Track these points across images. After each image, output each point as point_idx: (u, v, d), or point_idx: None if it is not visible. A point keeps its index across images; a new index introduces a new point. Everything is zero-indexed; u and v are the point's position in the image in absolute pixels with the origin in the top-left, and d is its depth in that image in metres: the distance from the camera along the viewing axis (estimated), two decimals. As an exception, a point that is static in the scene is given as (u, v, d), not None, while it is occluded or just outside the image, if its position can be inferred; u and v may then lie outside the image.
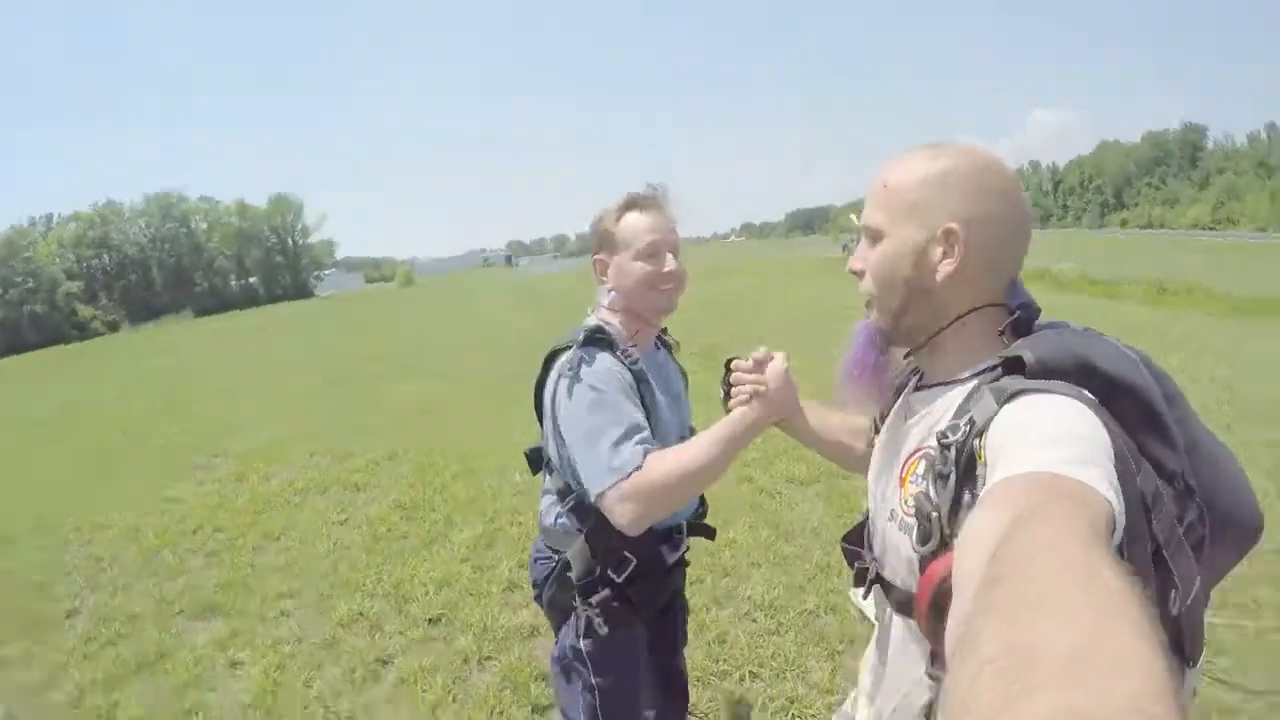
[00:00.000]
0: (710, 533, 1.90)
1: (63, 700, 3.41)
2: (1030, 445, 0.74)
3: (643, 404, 1.59)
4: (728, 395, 1.48)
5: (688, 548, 1.81)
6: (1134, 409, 0.84)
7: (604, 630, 1.67)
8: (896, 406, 1.15)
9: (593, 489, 1.49)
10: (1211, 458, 0.91)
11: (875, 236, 1.03)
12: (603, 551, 1.63)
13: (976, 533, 0.65)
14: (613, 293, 1.70)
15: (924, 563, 0.89)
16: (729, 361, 1.49)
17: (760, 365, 1.43)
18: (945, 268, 0.97)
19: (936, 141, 1.02)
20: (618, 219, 1.67)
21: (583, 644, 1.70)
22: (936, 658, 0.95)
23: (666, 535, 1.74)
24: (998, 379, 0.90)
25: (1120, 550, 0.71)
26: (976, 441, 0.85)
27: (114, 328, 62.14)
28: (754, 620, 3.56)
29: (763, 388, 1.41)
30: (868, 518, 1.18)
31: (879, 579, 1.09)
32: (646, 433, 1.52)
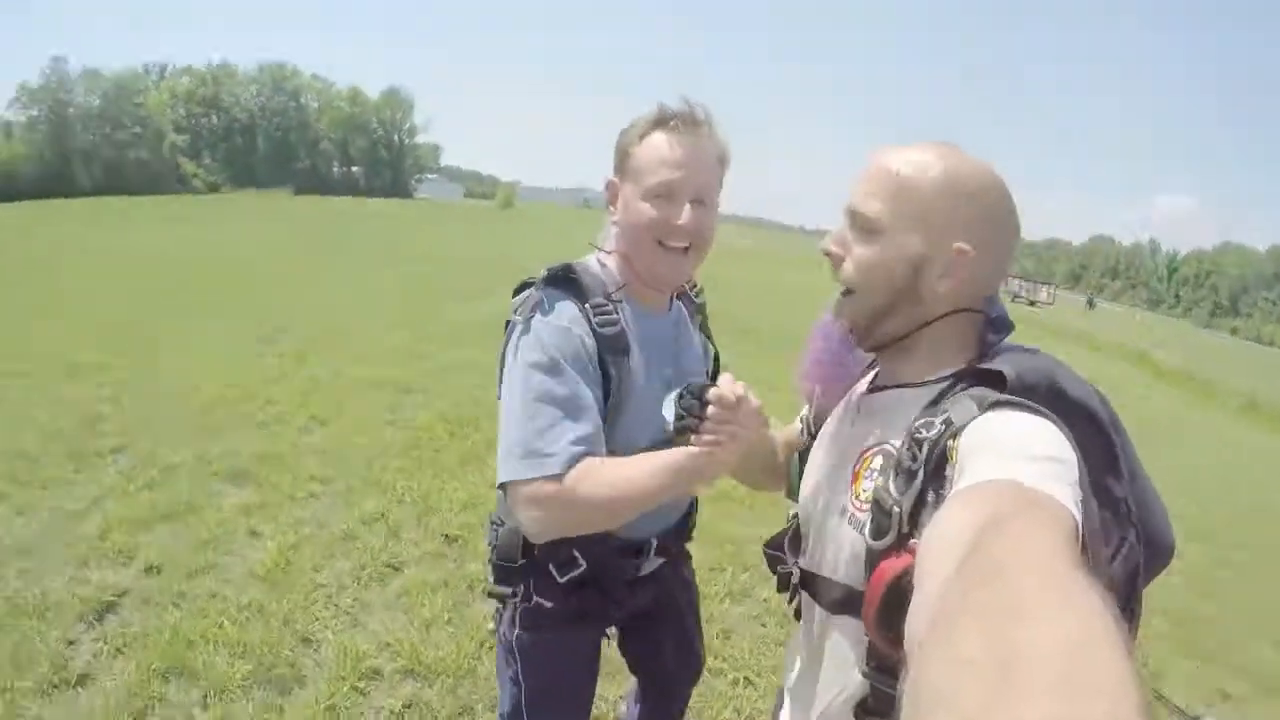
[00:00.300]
0: (678, 550, 1.67)
1: (91, 532, 3.73)
2: (1007, 455, 0.79)
3: (607, 382, 1.39)
4: (684, 425, 1.28)
5: (668, 560, 1.62)
6: (1091, 435, 0.91)
7: (526, 634, 1.55)
8: (843, 406, 1.20)
9: (501, 473, 1.32)
10: (1144, 487, 0.99)
11: (871, 228, 1.03)
12: (544, 544, 1.43)
13: (947, 529, 0.68)
14: (615, 229, 1.48)
15: (876, 558, 0.91)
16: (701, 389, 1.29)
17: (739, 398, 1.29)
18: (942, 285, 1.01)
19: (946, 142, 1.04)
20: (641, 136, 1.41)
21: (514, 634, 1.57)
22: (875, 655, 0.97)
23: (629, 548, 1.54)
24: (969, 388, 0.95)
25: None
26: (950, 442, 0.89)
27: (214, 188, 66.32)
28: (763, 625, 3.58)
29: (742, 431, 1.26)
30: (795, 521, 1.23)
31: (807, 581, 1.14)
32: (589, 427, 1.32)
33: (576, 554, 1.45)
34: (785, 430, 1.48)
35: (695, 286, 1.67)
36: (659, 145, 1.38)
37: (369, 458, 5.00)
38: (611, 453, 1.36)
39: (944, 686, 0.42)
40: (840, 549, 1.05)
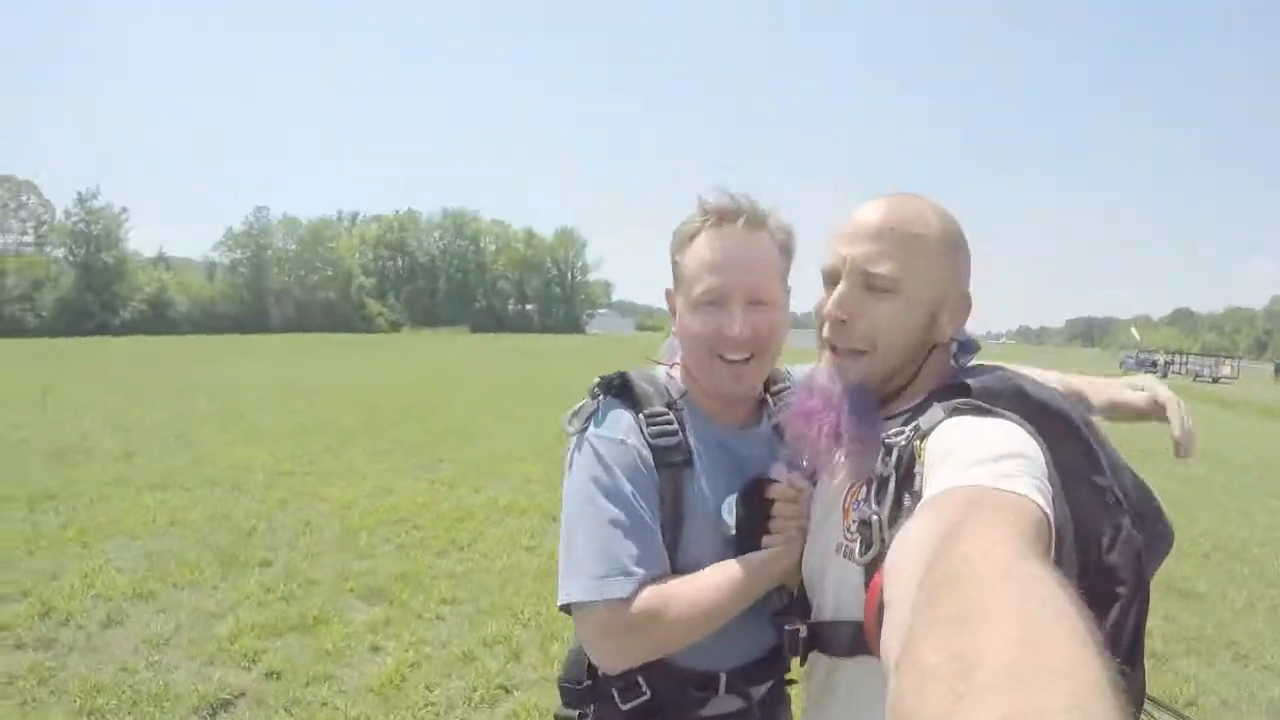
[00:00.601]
0: (768, 694, 1.49)
1: (223, 634, 4.05)
2: (969, 460, 0.85)
3: (672, 498, 1.35)
4: (749, 527, 1.30)
5: (749, 704, 1.47)
6: (1062, 433, 0.99)
7: None
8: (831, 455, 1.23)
9: (562, 593, 1.29)
10: (1132, 480, 1.06)
11: (887, 287, 1.10)
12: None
13: (910, 542, 0.73)
14: (676, 340, 1.45)
15: (868, 572, 0.97)
16: (755, 484, 1.32)
17: (800, 490, 1.29)
18: (949, 330, 1.15)
19: (915, 193, 1.17)
20: (687, 240, 1.38)
21: None
22: None
23: (693, 679, 1.42)
24: (938, 401, 1.04)
25: (1058, 558, 0.83)
26: (919, 443, 0.97)
27: (396, 327, 73.94)
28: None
29: (807, 523, 1.26)
30: (800, 588, 1.28)
31: (815, 635, 1.17)
32: (651, 546, 1.29)
33: (640, 680, 1.38)
34: None
35: (787, 393, 1.53)
36: (701, 248, 1.34)
37: (502, 582, 5.14)
38: (676, 570, 1.33)
39: (910, 700, 0.45)
40: (841, 587, 1.11)
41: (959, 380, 1.06)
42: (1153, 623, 4.57)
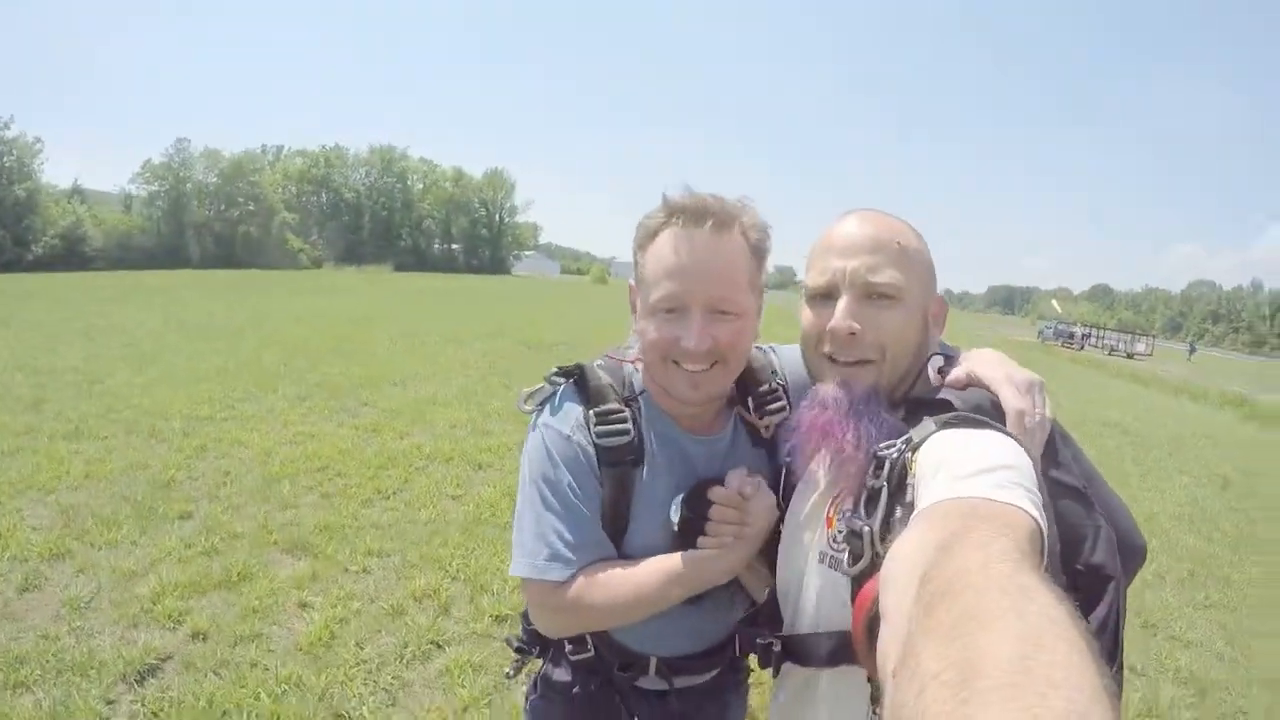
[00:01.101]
0: (712, 681, 1.57)
1: (145, 594, 3.93)
2: (962, 472, 0.86)
3: (616, 494, 1.36)
4: (690, 527, 1.31)
5: (695, 689, 1.56)
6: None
7: (542, 701, 1.60)
8: (811, 465, 1.25)
9: (512, 566, 1.37)
10: (1105, 490, 1.09)
11: (892, 295, 1.13)
12: None
13: (905, 554, 0.73)
14: (636, 340, 1.41)
15: (857, 584, 0.96)
16: (704, 486, 1.32)
17: (745, 497, 1.29)
18: (937, 333, 1.21)
19: (876, 208, 1.22)
20: (649, 238, 1.31)
21: (530, 699, 1.63)
22: (879, 695, 0.97)
23: (623, 657, 1.51)
24: (923, 414, 1.06)
25: (1065, 562, 0.90)
26: (910, 455, 0.98)
27: (318, 264, 71.50)
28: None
29: (749, 529, 1.27)
30: (770, 598, 1.29)
31: (791, 648, 1.18)
32: (588, 535, 1.34)
33: (588, 638, 1.48)
34: None
35: (774, 403, 1.47)
36: (663, 249, 1.27)
37: (429, 533, 5.12)
38: (626, 558, 1.37)
39: (910, 707, 0.45)
40: (824, 597, 1.12)
41: (939, 395, 1.09)
42: None
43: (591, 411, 1.36)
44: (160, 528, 4.90)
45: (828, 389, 1.16)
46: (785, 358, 1.53)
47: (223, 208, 68.69)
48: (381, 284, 41.59)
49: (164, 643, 3.50)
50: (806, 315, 1.20)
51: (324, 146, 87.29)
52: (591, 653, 1.49)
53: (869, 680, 0.99)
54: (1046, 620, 0.48)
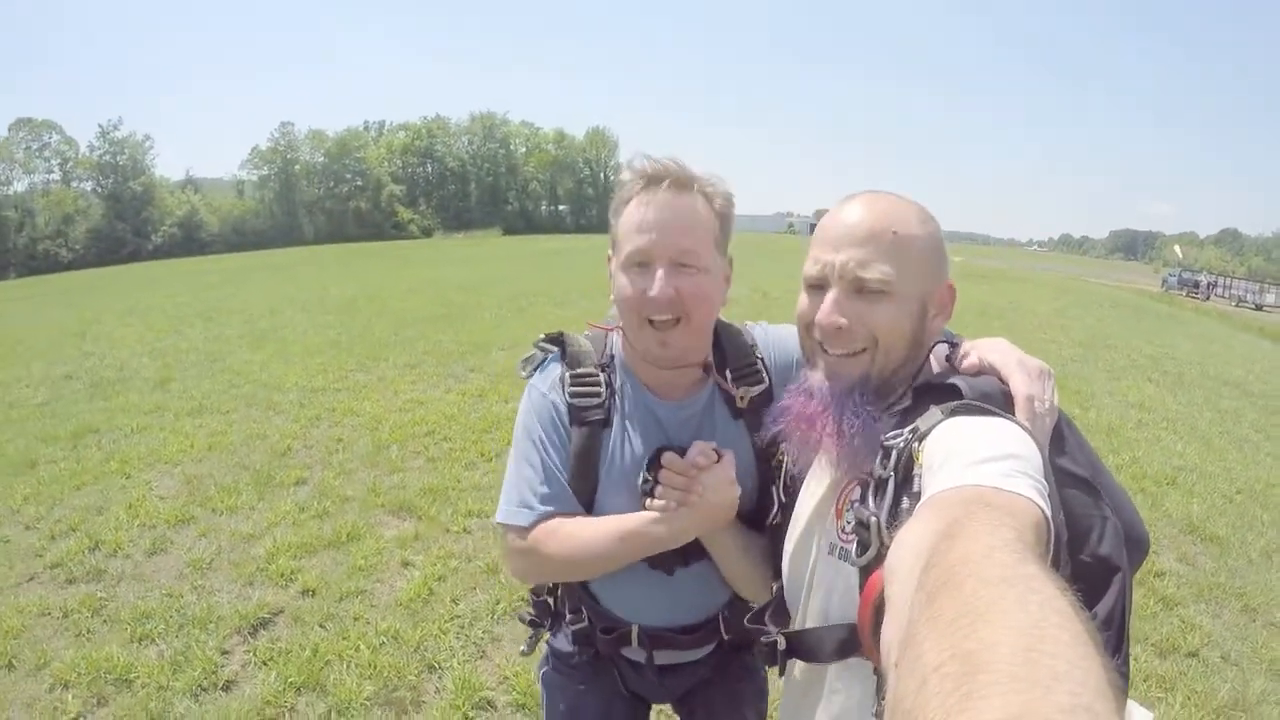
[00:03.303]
0: (690, 654, 1.63)
1: (260, 554, 4.31)
2: (969, 460, 0.87)
3: (584, 451, 1.47)
4: (649, 489, 1.41)
5: (668, 664, 1.63)
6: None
7: (551, 672, 1.73)
8: (821, 454, 1.25)
9: (497, 513, 1.52)
10: (1110, 481, 1.09)
11: (881, 289, 1.13)
12: (564, 589, 1.64)
13: (910, 543, 0.74)
14: (614, 307, 1.50)
15: (865, 574, 1.00)
16: (660, 451, 1.42)
17: (699, 467, 1.37)
18: (939, 324, 1.20)
19: (886, 191, 1.20)
20: (623, 206, 1.42)
21: (542, 670, 1.77)
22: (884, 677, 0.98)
23: (606, 625, 1.60)
24: (931, 401, 1.06)
25: (1070, 552, 0.90)
26: (917, 445, 0.99)
27: (428, 233, 74.55)
28: None
29: (695, 497, 1.35)
30: (777, 594, 1.32)
31: (797, 643, 1.20)
32: (556, 489, 1.46)
33: (582, 609, 1.60)
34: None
35: (749, 373, 1.53)
36: (631, 211, 1.39)
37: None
38: (596, 514, 1.49)
39: (912, 699, 0.46)
40: (833, 589, 1.14)
41: (947, 380, 1.09)
42: (1166, 564, 4.62)
43: (569, 373, 1.49)
44: (276, 493, 5.32)
45: (816, 378, 1.20)
46: (773, 336, 1.60)
47: (332, 185, 73.19)
48: (490, 249, 42.77)
49: (276, 599, 3.84)
50: (801, 300, 1.22)
51: (425, 118, 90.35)
52: (585, 622, 1.60)
53: (875, 672, 1.01)
54: (1050, 612, 0.49)
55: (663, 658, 1.60)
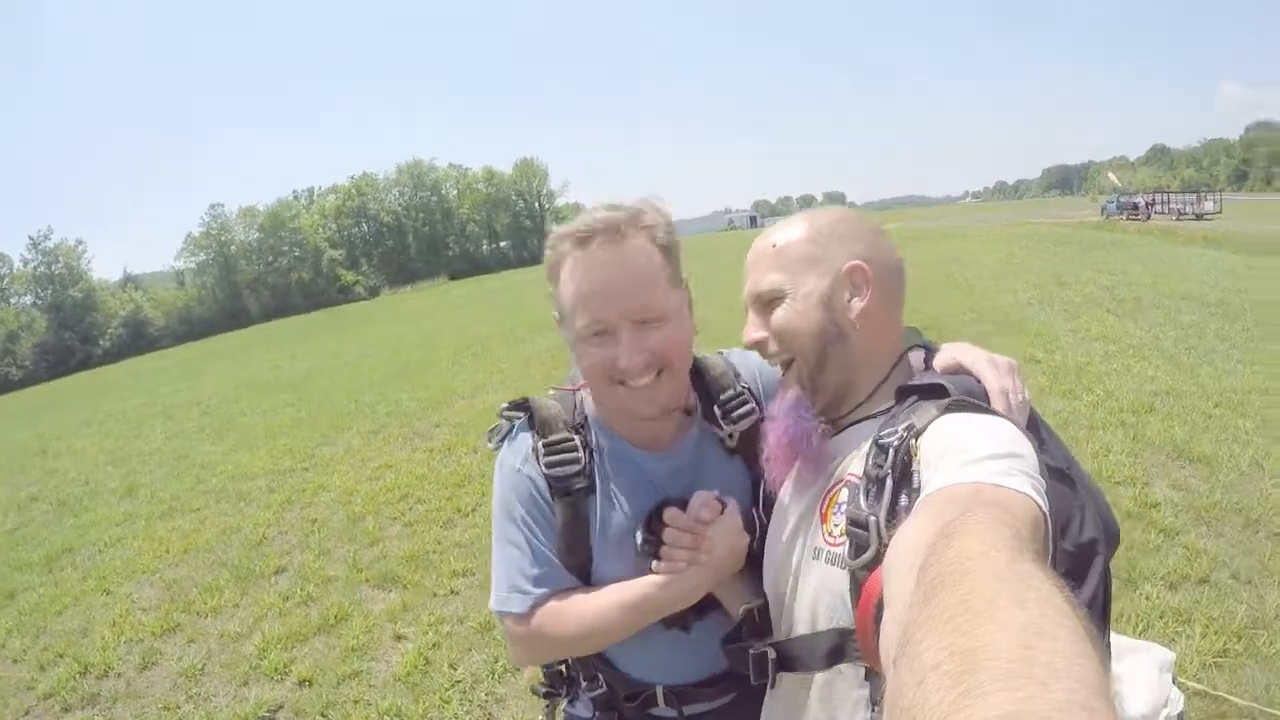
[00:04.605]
0: (716, 701, 1.49)
1: (251, 651, 4.30)
2: (967, 458, 0.89)
3: (571, 522, 1.39)
4: (651, 549, 1.33)
5: (696, 713, 1.50)
6: (1032, 422, 1.07)
7: None
8: (798, 465, 1.25)
9: (491, 600, 1.44)
10: (1081, 472, 1.10)
11: (773, 299, 1.20)
12: (578, 656, 1.50)
13: (908, 541, 0.75)
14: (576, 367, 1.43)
15: (862, 575, 0.97)
16: (660, 506, 1.34)
17: (704, 521, 1.30)
18: (857, 305, 1.17)
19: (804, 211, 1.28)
20: (555, 271, 1.33)
21: None
22: (876, 683, 1.01)
23: (637, 686, 1.49)
24: (920, 400, 1.08)
25: (1053, 554, 0.86)
26: (914, 441, 1.00)
27: (374, 292, 74.03)
28: None
29: (705, 555, 1.28)
30: (746, 613, 1.29)
31: (785, 654, 1.19)
32: (546, 568, 1.38)
33: (599, 675, 1.49)
34: None
35: (737, 405, 1.47)
36: (572, 278, 1.29)
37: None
38: (594, 585, 1.41)
39: (910, 697, 0.46)
40: (819, 596, 1.13)
41: (933, 380, 1.10)
42: (1160, 493, 4.67)
43: (540, 443, 1.39)
44: (258, 585, 5.29)
45: (775, 402, 1.26)
46: (753, 359, 1.50)
47: (270, 260, 72.71)
48: (437, 298, 42.60)
49: (273, 694, 3.83)
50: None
51: (353, 177, 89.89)
52: (604, 688, 1.50)
53: (866, 679, 1.03)
54: (1047, 609, 0.49)
55: (692, 709, 1.50)
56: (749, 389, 1.48)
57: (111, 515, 7.79)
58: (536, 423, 1.41)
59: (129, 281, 72.48)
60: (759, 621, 1.27)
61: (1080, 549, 0.99)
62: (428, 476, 7.23)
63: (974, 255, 20.47)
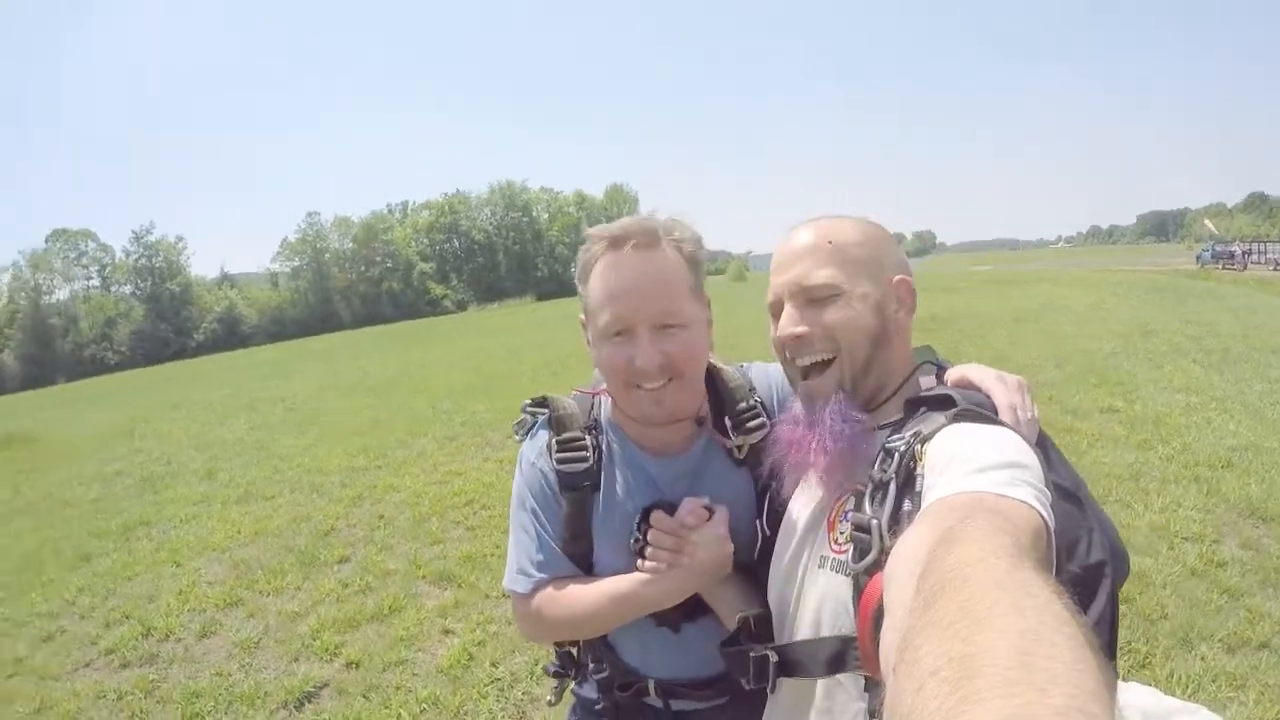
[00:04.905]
0: (707, 702, 1.54)
1: (306, 631, 4.44)
2: (972, 467, 0.90)
3: (575, 516, 1.48)
4: (641, 548, 1.39)
5: (684, 710, 1.56)
6: (1039, 438, 1.06)
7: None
8: (803, 479, 1.27)
9: (504, 579, 1.55)
10: (1091, 499, 1.09)
11: (829, 293, 1.19)
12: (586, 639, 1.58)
13: (909, 549, 0.76)
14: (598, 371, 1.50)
15: (864, 580, 0.98)
16: (649, 509, 1.40)
17: (688, 526, 1.35)
18: (903, 318, 1.23)
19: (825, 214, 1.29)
20: (588, 270, 1.39)
21: (570, 718, 1.73)
22: (876, 690, 1.00)
23: (632, 676, 1.56)
24: (928, 411, 1.10)
25: (1059, 563, 0.88)
26: (919, 447, 1.02)
27: (462, 306, 76.10)
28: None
29: (686, 557, 1.34)
30: (746, 619, 1.29)
31: (787, 659, 1.20)
32: (551, 555, 1.48)
33: (603, 659, 1.57)
34: None
35: (753, 420, 1.50)
36: (599, 278, 1.36)
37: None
38: (597, 575, 1.49)
39: (909, 703, 0.46)
40: (824, 602, 1.14)
41: (941, 392, 1.11)
42: (1228, 552, 4.48)
43: (555, 439, 1.49)
44: (321, 572, 5.46)
45: (795, 404, 1.25)
46: (774, 375, 1.57)
47: (363, 269, 75.57)
48: (524, 317, 43.40)
49: (321, 672, 3.95)
50: (770, 331, 1.28)
51: (446, 194, 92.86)
52: (606, 672, 1.57)
53: (865, 689, 1.03)
54: (1046, 615, 0.50)
55: (680, 705, 1.56)
56: (761, 403, 1.52)
57: (190, 495, 8.15)
58: (553, 420, 1.52)
59: (225, 279, 76.38)
60: (756, 630, 1.28)
61: (1087, 571, 0.97)
62: (494, 485, 7.33)
63: (1063, 300, 19.92)
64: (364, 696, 3.69)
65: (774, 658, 1.21)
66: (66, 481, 9.79)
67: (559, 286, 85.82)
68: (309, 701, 3.70)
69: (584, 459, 1.47)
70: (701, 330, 1.41)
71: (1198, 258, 45.50)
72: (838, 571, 1.11)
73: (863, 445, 1.16)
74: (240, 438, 11.64)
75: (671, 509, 1.39)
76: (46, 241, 70.09)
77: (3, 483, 10.51)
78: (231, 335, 66.04)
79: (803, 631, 1.17)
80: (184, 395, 20.00)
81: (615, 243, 1.35)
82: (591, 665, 1.60)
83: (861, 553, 1.01)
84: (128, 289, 71.58)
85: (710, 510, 1.37)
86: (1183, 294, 20.93)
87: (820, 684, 1.14)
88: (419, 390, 14.82)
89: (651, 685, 1.54)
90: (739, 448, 1.48)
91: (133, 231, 72.17)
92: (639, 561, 1.39)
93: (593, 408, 1.55)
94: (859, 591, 0.98)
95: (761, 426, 1.47)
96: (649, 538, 1.37)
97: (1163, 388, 8.77)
